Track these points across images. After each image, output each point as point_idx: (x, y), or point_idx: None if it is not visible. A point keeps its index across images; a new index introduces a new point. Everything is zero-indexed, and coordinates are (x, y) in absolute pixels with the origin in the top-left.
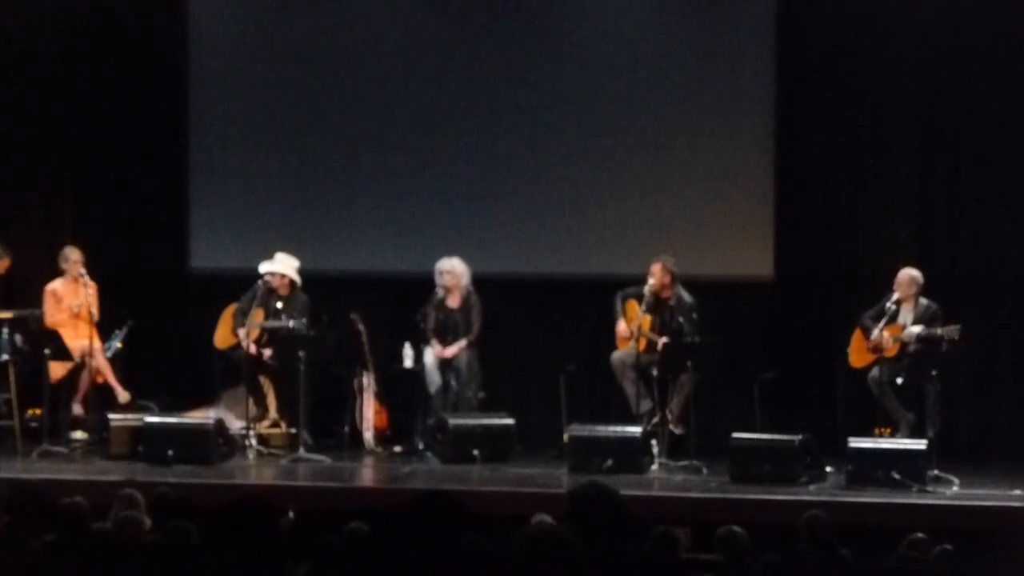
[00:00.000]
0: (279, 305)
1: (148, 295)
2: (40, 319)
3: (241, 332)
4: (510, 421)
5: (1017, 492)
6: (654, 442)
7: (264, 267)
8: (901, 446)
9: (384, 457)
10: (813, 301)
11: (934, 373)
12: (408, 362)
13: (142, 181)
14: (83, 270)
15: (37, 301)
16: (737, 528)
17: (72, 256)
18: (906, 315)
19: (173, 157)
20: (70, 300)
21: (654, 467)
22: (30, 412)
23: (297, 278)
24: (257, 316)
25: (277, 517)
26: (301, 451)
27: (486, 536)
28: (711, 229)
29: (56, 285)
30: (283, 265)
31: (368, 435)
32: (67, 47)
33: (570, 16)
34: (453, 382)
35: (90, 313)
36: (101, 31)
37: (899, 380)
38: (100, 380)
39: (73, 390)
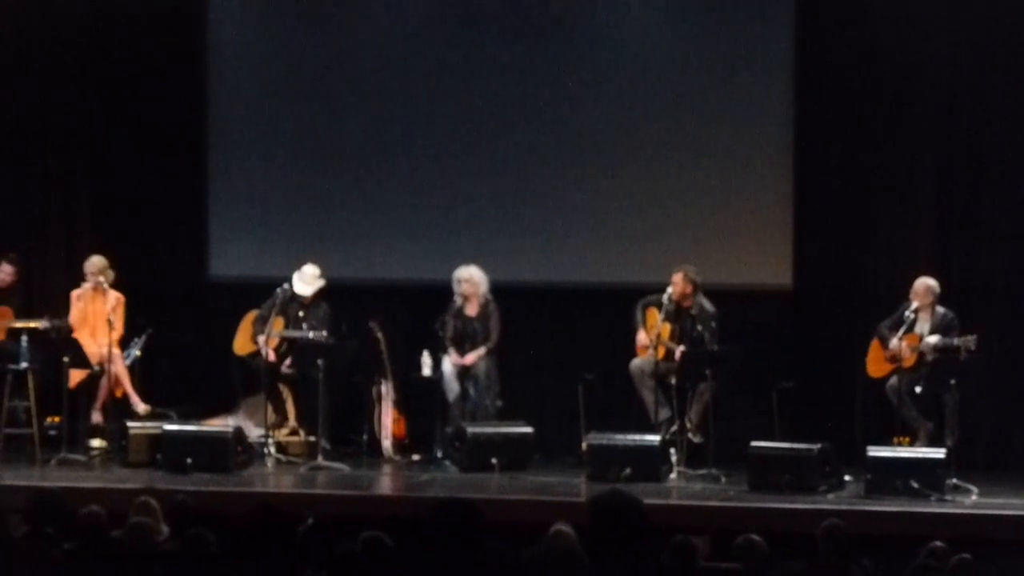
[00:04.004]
0: (300, 314)
1: (167, 303)
2: (60, 328)
3: (260, 339)
4: (528, 429)
5: None
6: (673, 451)
7: (299, 288)
8: (920, 455)
9: (402, 465)
10: (831, 310)
11: (952, 382)
12: (426, 370)
13: (161, 190)
14: (102, 279)
15: (55, 311)
16: (756, 537)
17: (87, 267)
18: (923, 324)
19: (192, 165)
20: (90, 307)
21: (673, 476)
22: (49, 420)
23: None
24: (277, 325)
25: (295, 525)
26: (320, 459)
27: (504, 544)
28: (729, 238)
29: (81, 290)
30: (313, 287)
31: (387, 443)
32: (86, 59)
33: (589, 27)
34: (471, 390)
35: (108, 322)
36: (120, 42)
37: (918, 389)
38: (119, 393)
39: (92, 398)
